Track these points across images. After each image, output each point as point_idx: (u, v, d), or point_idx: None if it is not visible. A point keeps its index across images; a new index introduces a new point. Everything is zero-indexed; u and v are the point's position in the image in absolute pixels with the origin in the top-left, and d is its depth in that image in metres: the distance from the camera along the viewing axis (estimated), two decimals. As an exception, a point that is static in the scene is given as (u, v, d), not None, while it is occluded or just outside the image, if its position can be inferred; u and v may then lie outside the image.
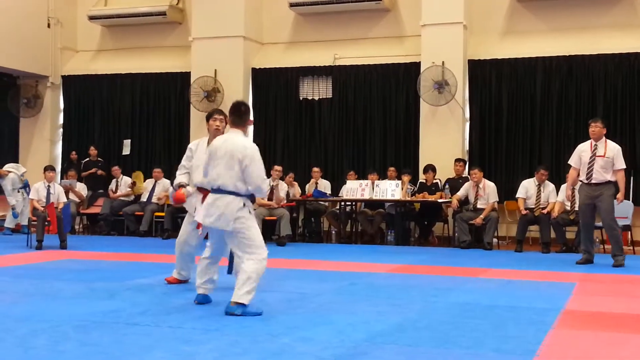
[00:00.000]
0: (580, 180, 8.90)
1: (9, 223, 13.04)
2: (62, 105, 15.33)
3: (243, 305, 5.29)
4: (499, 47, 12.63)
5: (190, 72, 13.91)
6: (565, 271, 8.32)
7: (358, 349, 4.36)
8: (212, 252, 5.88)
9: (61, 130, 15.34)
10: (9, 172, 13.09)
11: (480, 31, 12.84)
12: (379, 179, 11.95)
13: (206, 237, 6.02)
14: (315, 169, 12.76)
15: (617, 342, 4.65)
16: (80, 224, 14.07)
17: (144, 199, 13.21)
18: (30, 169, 13.56)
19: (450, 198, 11.38)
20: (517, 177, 11.81)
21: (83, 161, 14.24)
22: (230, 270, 5.65)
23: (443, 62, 12.25)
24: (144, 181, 13.59)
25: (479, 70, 12.58)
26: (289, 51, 14.00)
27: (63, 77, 15.21)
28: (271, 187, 11.42)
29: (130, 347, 4.38)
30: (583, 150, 8.87)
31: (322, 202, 12.49)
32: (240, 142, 5.55)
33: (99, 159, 14.29)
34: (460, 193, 11.24)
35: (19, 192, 13.05)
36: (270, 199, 11.46)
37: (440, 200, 11.50)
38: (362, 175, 12.47)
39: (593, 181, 8.69)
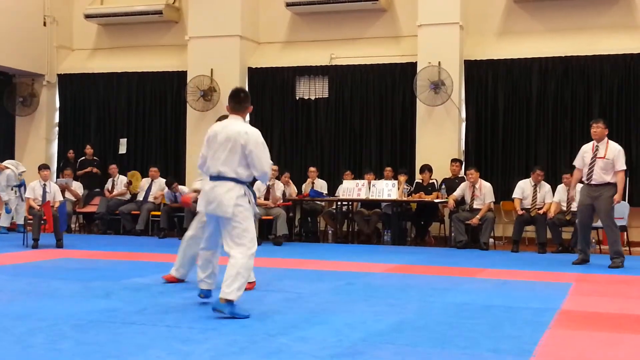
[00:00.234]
0: (582, 181, 8.91)
1: (3, 221, 13.01)
2: (58, 104, 15.29)
3: (232, 303, 5.20)
4: (495, 48, 12.65)
5: (186, 71, 13.90)
6: (561, 271, 8.34)
7: (355, 348, 4.37)
8: (209, 244, 5.78)
9: (57, 128, 15.31)
10: (7, 167, 13.06)
11: (477, 31, 12.86)
12: (375, 179, 11.96)
13: None
14: (312, 169, 12.76)
15: (613, 342, 4.66)
16: (76, 222, 14.05)
17: (140, 198, 13.20)
18: (26, 168, 13.51)
19: (446, 198, 11.39)
20: (513, 177, 11.82)
21: (79, 160, 14.22)
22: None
23: (439, 63, 12.26)
24: (141, 180, 13.57)
25: (475, 70, 12.60)
26: (285, 51, 14.00)
27: (59, 75, 15.19)
28: (267, 187, 11.41)
29: (127, 346, 4.38)
30: (585, 151, 8.90)
31: (318, 202, 12.49)
32: (241, 128, 5.46)
33: (94, 157, 14.27)
34: (457, 193, 11.26)
35: (12, 189, 13.01)
36: (266, 198, 11.47)
37: (436, 201, 11.52)
38: (358, 175, 12.47)
39: (593, 182, 8.71)
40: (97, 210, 13.31)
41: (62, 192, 12.01)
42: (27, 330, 4.75)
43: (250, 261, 5.36)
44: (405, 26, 13.16)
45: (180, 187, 12.65)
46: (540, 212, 10.71)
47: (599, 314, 5.70)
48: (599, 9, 12.25)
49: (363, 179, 12.01)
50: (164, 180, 13.18)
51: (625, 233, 10.75)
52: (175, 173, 13.86)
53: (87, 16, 14.75)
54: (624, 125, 11.71)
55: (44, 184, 11.04)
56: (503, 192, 11.96)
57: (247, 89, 13.70)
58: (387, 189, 11.56)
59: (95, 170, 14.06)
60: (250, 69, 13.89)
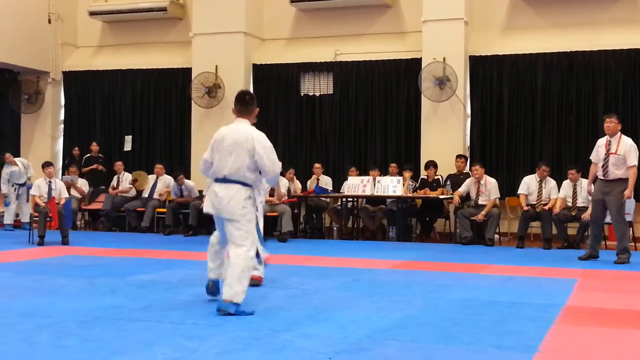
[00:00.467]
0: (597, 176, 8.88)
1: (8, 219, 13.05)
2: (63, 101, 15.33)
3: (237, 303, 5.23)
4: (500, 43, 12.61)
5: (191, 68, 13.90)
6: (566, 267, 8.33)
7: (360, 344, 4.37)
8: (220, 241, 5.74)
9: (62, 126, 15.34)
10: (16, 164, 13.07)
11: (481, 27, 12.83)
12: (380, 175, 11.94)
13: None
14: (317, 165, 12.76)
15: (618, 338, 4.65)
16: (81, 219, 14.09)
17: (145, 195, 13.22)
18: (31, 165, 13.53)
19: (451, 194, 11.38)
20: (519, 173, 11.81)
21: (84, 157, 14.25)
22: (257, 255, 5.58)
23: (444, 58, 12.24)
24: (148, 179, 13.57)
25: (480, 66, 12.57)
26: (289, 47, 13.99)
27: (64, 72, 15.21)
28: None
29: (132, 342, 4.39)
30: (599, 145, 8.89)
31: (323, 199, 12.48)
32: (247, 132, 5.48)
33: (99, 154, 14.29)
34: (462, 189, 11.25)
35: (13, 186, 13.04)
36: (271, 195, 11.47)
37: (441, 197, 11.50)
38: (363, 172, 12.46)
39: (605, 177, 8.69)
40: (103, 207, 13.33)
41: (68, 189, 12.05)
42: (33, 327, 4.77)
43: (251, 262, 5.41)
44: (410, 22, 13.14)
45: (186, 181, 12.69)
46: (546, 207, 10.69)
47: (604, 309, 5.69)
48: (603, 4, 12.21)
49: (368, 175, 12.00)
50: (170, 177, 13.22)
51: (631, 229, 10.72)
52: (180, 170, 13.87)
53: (92, 13, 14.76)
54: (629, 121, 11.66)
55: (50, 181, 11.08)
56: (508, 188, 11.95)
57: (251, 85, 13.81)
58: (392, 185, 11.55)
59: (100, 167, 14.09)
60: (254, 66, 13.89)
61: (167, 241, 11.31)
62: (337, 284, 6.87)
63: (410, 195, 11.71)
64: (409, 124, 12.95)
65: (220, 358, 4.04)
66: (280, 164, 5.72)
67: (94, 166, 14.04)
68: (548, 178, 10.98)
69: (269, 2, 14.13)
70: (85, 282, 6.86)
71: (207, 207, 5.62)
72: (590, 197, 10.27)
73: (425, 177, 12.03)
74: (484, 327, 4.87)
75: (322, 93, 13.60)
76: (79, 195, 13.42)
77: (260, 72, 13.85)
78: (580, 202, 10.61)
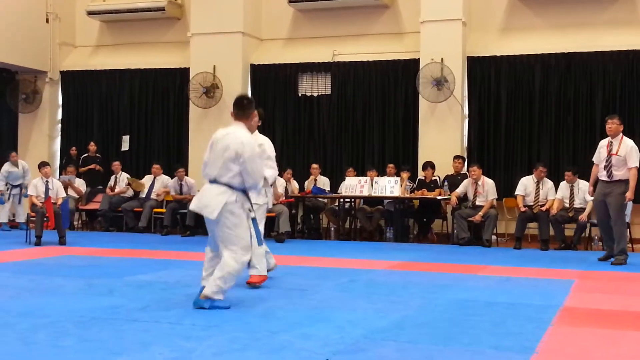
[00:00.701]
0: (599, 177, 8.88)
1: (3, 217, 13.04)
2: (60, 101, 15.31)
3: (212, 300, 5.38)
4: (498, 44, 12.62)
5: (189, 68, 13.90)
6: (564, 268, 8.33)
7: (357, 345, 4.37)
8: (212, 246, 5.76)
9: (60, 125, 15.32)
10: (16, 166, 13.06)
11: (479, 28, 12.84)
12: (377, 176, 11.95)
13: None
14: (314, 166, 12.76)
15: (616, 339, 4.66)
16: (79, 219, 14.07)
17: (143, 195, 13.21)
18: (29, 164, 13.52)
19: (449, 195, 11.38)
20: (516, 174, 11.82)
21: (82, 157, 14.24)
22: (259, 240, 5.81)
23: (442, 59, 12.25)
24: (142, 179, 13.54)
25: (477, 67, 12.58)
26: (287, 47, 13.99)
27: (62, 72, 15.20)
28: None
29: (130, 342, 4.39)
30: (601, 146, 8.90)
31: (321, 199, 12.49)
32: (239, 138, 5.52)
33: (97, 154, 14.28)
34: (459, 190, 11.25)
35: (6, 185, 13.05)
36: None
37: (439, 197, 11.51)
38: (361, 172, 12.46)
39: (606, 179, 8.70)
40: (100, 207, 13.31)
41: (65, 189, 12.03)
42: (30, 327, 4.76)
43: (240, 267, 5.47)
44: (408, 23, 13.14)
45: (186, 177, 12.69)
46: (543, 208, 10.70)
47: (602, 311, 5.69)
48: (601, 5, 12.23)
49: (365, 175, 12.00)
50: (167, 177, 13.23)
51: (628, 230, 10.73)
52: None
53: (90, 13, 14.75)
54: (627, 121, 11.62)
55: (47, 181, 11.06)
56: (506, 189, 11.96)
57: (249, 85, 13.81)
58: (389, 186, 11.55)
59: (98, 167, 14.07)
60: (252, 66, 13.88)
61: (165, 241, 11.30)
62: (335, 285, 6.87)
63: (408, 196, 11.71)
64: (406, 125, 12.95)
65: (217, 358, 4.04)
66: (271, 173, 5.86)
67: (92, 166, 14.03)
68: (545, 179, 10.99)
69: (267, 3, 14.12)
70: (83, 282, 6.85)
71: (192, 204, 5.74)
72: (587, 198, 10.31)
73: (423, 178, 12.04)
74: (482, 328, 4.87)
75: (320, 93, 13.60)
76: (76, 195, 13.41)
77: (258, 73, 13.85)
78: (577, 203, 10.62)
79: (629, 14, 12.12)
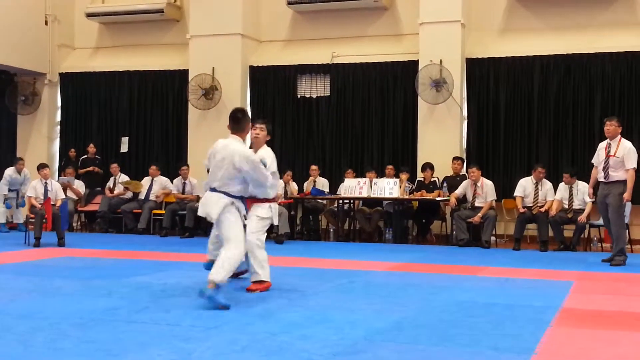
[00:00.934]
0: (599, 179, 8.89)
1: (1, 218, 13.05)
2: (59, 103, 15.31)
3: (216, 288, 5.56)
4: (497, 46, 12.63)
5: (188, 70, 13.90)
6: (562, 269, 8.33)
7: (356, 346, 4.37)
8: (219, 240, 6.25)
9: (59, 127, 15.32)
10: (18, 173, 13.06)
11: (478, 29, 12.85)
12: (377, 177, 11.95)
13: None
14: (313, 167, 12.76)
15: (615, 340, 4.66)
16: (78, 221, 14.07)
17: (142, 196, 13.21)
18: (27, 166, 13.52)
19: (448, 196, 11.39)
20: (515, 175, 11.82)
21: (81, 158, 14.23)
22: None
23: (441, 61, 12.26)
24: (141, 181, 13.53)
25: (476, 68, 12.59)
26: (286, 49, 14.00)
27: (61, 74, 15.20)
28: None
29: (129, 344, 4.39)
30: (600, 148, 8.92)
31: (320, 200, 12.49)
32: (235, 151, 5.89)
33: (96, 156, 14.28)
34: (458, 191, 11.26)
35: (5, 186, 13.09)
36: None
37: (438, 199, 11.51)
38: (360, 174, 12.46)
39: (607, 180, 8.70)
40: (99, 208, 13.31)
41: (64, 190, 12.03)
42: (29, 329, 4.76)
43: (238, 256, 5.84)
44: (407, 24, 13.16)
45: (190, 177, 12.69)
46: (542, 210, 10.70)
47: (601, 311, 5.69)
48: (600, 6, 12.24)
49: (365, 177, 12.00)
50: (165, 178, 13.24)
51: (627, 231, 10.74)
52: (176, 171, 13.86)
53: (89, 15, 14.75)
54: (625, 123, 11.64)
55: (45, 183, 11.06)
56: (505, 190, 11.96)
57: (248, 87, 13.82)
58: (388, 187, 11.55)
59: (97, 169, 14.07)
60: (251, 68, 13.89)
61: (164, 243, 11.29)
62: (334, 286, 6.87)
63: (407, 197, 11.71)
64: (405, 126, 12.96)
65: (217, 360, 4.04)
66: (271, 178, 6.21)
67: (90, 168, 14.03)
68: (544, 180, 11.00)
69: (266, 4, 14.13)
70: (82, 283, 6.85)
71: (199, 211, 6.19)
72: (586, 199, 10.32)
73: (422, 179, 12.05)
74: (481, 329, 4.87)
75: (318, 95, 13.61)
76: (75, 197, 13.41)
77: (257, 74, 13.85)
78: (576, 205, 10.62)
79: (628, 15, 12.14)
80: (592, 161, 9.09)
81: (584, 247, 10.92)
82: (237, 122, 6.07)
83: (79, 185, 13.66)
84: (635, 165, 8.68)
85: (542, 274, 7.91)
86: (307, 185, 12.70)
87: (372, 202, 12.04)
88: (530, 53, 12.29)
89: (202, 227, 12.00)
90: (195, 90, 13.62)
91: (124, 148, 14.65)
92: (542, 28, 12.55)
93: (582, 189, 10.57)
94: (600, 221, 9.73)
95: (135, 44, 14.94)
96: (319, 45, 13.62)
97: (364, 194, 11.75)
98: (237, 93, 13.65)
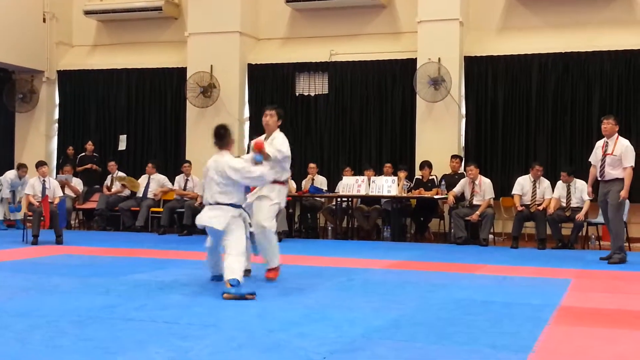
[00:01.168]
0: (598, 178, 8.89)
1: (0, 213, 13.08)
2: (57, 100, 15.29)
3: (235, 280, 5.87)
4: (495, 44, 12.63)
5: (186, 68, 13.89)
6: (560, 267, 8.34)
7: (354, 344, 4.37)
8: (214, 247, 6.58)
9: (57, 125, 15.31)
10: (19, 176, 13.07)
11: (477, 27, 12.85)
12: (375, 175, 11.95)
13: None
14: (312, 165, 12.76)
15: (613, 338, 4.66)
16: (76, 219, 14.06)
17: (139, 194, 13.20)
18: (25, 164, 13.49)
19: (446, 194, 11.39)
20: (513, 173, 11.82)
21: (79, 156, 14.22)
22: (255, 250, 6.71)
23: (439, 59, 12.26)
24: (139, 179, 13.52)
25: (475, 66, 12.59)
26: (285, 47, 13.99)
27: (59, 72, 15.18)
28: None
29: (126, 342, 4.38)
30: (597, 147, 8.92)
31: (318, 198, 12.48)
32: (225, 163, 6.34)
33: (94, 154, 14.26)
34: (456, 189, 11.26)
35: (7, 189, 13.11)
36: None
37: (436, 197, 11.52)
38: (358, 172, 12.46)
39: (605, 178, 8.71)
40: (97, 206, 13.31)
41: (62, 188, 12.01)
42: (27, 327, 4.75)
43: (242, 262, 6.15)
44: (405, 22, 13.15)
45: (192, 175, 12.69)
46: (540, 208, 10.70)
47: (599, 310, 5.70)
48: (598, 4, 12.24)
49: (363, 175, 12.00)
50: (163, 176, 13.24)
51: (625, 229, 10.74)
52: (174, 169, 13.86)
53: (87, 12, 14.73)
54: (623, 121, 11.66)
55: (44, 180, 11.05)
56: (503, 188, 11.96)
57: (246, 85, 13.81)
58: (386, 185, 11.55)
59: (95, 167, 14.06)
60: (249, 65, 13.88)
61: (162, 241, 11.29)
62: (332, 284, 6.87)
63: (405, 195, 11.71)
64: (403, 124, 12.96)
65: (214, 358, 4.03)
66: (262, 172, 6.51)
67: (89, 165, 14.02)
68: (542, 178, 11.00)
69: (264, 2, 14.12)
70: (80, 281, 6.84)
71: (199, 220, 6.46)
72: (584, 198, 10.33)
73: (420, 177, 12.05)
74: (479, 327, 4.88)
75: (317, 93, 13.60)
76: (73, 195, 13.40)
77: (255, 72, 13.85)
78: (574, 203, 10.63)
79: (626, 14, 12.14)
80: (590, 159, 9.09)
81: (581, 245, 10.93)
82: (221, 139, 6.50)
83: (77, 183, 13.65)
84: (633, 163, 8.68)
85: (540, 272, 7.92)
86: (305, 183, 12.69)
87: (370, 200, 12.04)
88: (529, 51, 12.29)
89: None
90: (193, 88, 13.61)
91: (122, 146, 14.64)
92: (540, 26, 12.55)
93: (580, 187, 10.58)
94: (599, 219, 9.74)
95: (134, 42, 14.93)
96: (317, 43, 13.61)
97: (362, 192, 11.75)
98: (235, 91, 13.65)
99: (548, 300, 5.98)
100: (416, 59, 12.53)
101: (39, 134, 15.17)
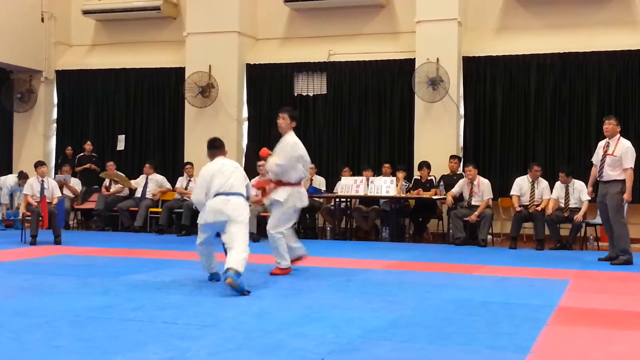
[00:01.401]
0: (598, 178, 8.87)
1: None
2: (56, 100, 15.27)
3: (238, 272, 6.03)
4: (494, 44, 12.64)
5: (184, 68, 13.88)
6: (559, 268, 8.34)
7: (353, 345, 4.37)
8: (208, 243, 6.85)
9: (55, 125, 15.29)
10: (21, 182, 13.09)
11: (475, 28, 12.85)
12: (373, 176, 11.95)
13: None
14: (310, 165, 12.71)
15: (611, 339, 4.66)
16: (74, 219, 14.05)
17: (138, 194, 13.19)
18: (24, 164, 13.55)
19: (444, 195, 11.39)
20: (512, 174, 11.82)
21: (77, 156, 14.21)
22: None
23: (438, 59, 12.26)
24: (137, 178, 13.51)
25: (473, 66, 12.59)
26: (283, 47, 13.99)
27: (57, 71, 15.16)
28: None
29: (125, 342, 4.38)
30: (599, 147, 8.90)
31: (316, 199, 12.46)
32: (235, 163, 6.94)
33: (93, 154, 14.25)
34: (455, 190, 11.26)
35: (7, 195, 13.13)
36: (263, 195, 11.42)
37: (434, 197, 11.52)
38: (356, 172, 12.46)
39: (603, 179, 8.70)
40: (96, 206, 13.29)
41: (60, 188, 12.01)
42: (25, 327, 4.75)
43: (247, 256, 6.30)
44: (404, 22, 13.14)
45: (195, 177, 12.67)
46: (538, 208, 10.70)
47: (597, 310, 5.70)
48: (597, 5, 12.25)
49: (361, 175, 12.00)
50: (161, 176, 13.23)
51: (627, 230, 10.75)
52: (173, 169, 13.86)
53: (85, 12, 14.71)
54: (621, 122, 11.65)
55: (42, 180, 11.04)
56: (501, 189, 11.96)
57: (245, 85, 13.81)
58: (385, 186, 11.55)
59: (93, 167, 14.05)
60: (248, 65, 13.87)
61: (160, 241, 11.28)
62: (330, 284, 6.87)
63: (404, 195, 11.71)
64: (402, 125, 12.96)
65: (212, 358, 4.03)
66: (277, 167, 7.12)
67: (87, 165, 14.00)
68: (540, 179, 11.00)
69: (263, 2, 14.11)
70: (78, 281, 6.84)
71: (209, 216, 6.59)
72: (583, 198, 10.34)
73: (419, 178, 12.05)
74: (477, 328, 4.88)
75: (315, 93, 13.60)
76: (71, 195, 13.38)
77: (254, 72, 13.84)
78: (572, 203, 10.63)
79: (624, 14, 12.15)
80: (592, 159, 9.08)
81: (580, 246, 10.93)
82: (217, 147, 6.94)
83: (76, 183, 13.64)
84: (632, 164, 8.67)
85: (539, 273, 7.92)
86: (304, 184, 12.64)
87: (368, 201, 12.04)
88: (527, 51, 12.29)
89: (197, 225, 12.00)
90: (191, 88, 13.60)
91: (121, 146, 14.62)
92: (538, 26, 12.55)
93: (579, 187, 10.58)
94: (597, 220, 9.73)
95: (132, 42, 14.92)
96: (316, 43, 13.61)
97: (361, 193, 11.75)
98: (233, 91, 13.64)
99: (546, 300, 5.98)
100: (414, 59, 12.53)
101: (37, 134, 15.15)
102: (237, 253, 6.20)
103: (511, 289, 6.70)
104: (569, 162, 11.72)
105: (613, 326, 5.08)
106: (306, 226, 12.67)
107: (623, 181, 8.61)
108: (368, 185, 11.71)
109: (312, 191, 12.23)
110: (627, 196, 8.57)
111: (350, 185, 11.85)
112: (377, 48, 13.17)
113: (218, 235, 6.69)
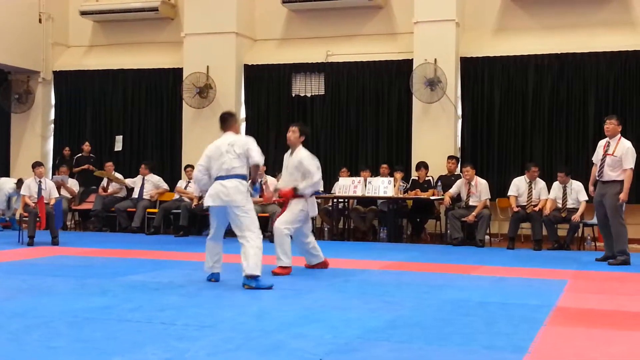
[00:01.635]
0: (597, 177, 8.88)
1: None
2: (53, 101, 15.27)
3: (257, 277, 6.32)
4: (491, 45, 12.65)
5: (182, 68, 13.88)
6: (557, 268, 8.34)
7: (351, 345, 4.37)
8: (215, 239, 6.93)
9: (52, 126, 15.28)
10: (19, 186, 13.09)
11: (473, 28, 12.86)
12: (371, 176, 11.95)
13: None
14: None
15: (608, 339, 4.67)
16: (72, 220, 14.03)
17: (135, 195, 13.18)
18: (21, 165, 13.52)
19: (442, 195, 11.40)
20: (509, 174, 11.84)
21: (75, 157, 14.20)
22: None
23: (435, 60, 12.27)
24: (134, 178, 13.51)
25: (471, 67, 12.60)
26: (281, 47, 13.99)
27: (54, 72, 15.15)
28: (260, 184, 11.37)
29: (123, 343, 4.38)
30: (599, 146, 8.90)
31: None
32: (241, 138, 6.94)
33: (91, 154, 14.24)
34: (453, 190, 11.26)
35: (5, 202, 13.15)
36: (260, 195, 11.41)
37: (432, 198, 11.52)
38: (354, 172, 12.47)
39: (603, 179, 8.70)
40: (93, 207, 13.29)
41: (58, 189, 12.00)
42: (23, 328, 4.75)
43: (261, 245, 6.56)
44: (402, 23, 13.15)
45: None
46: (536, 209, 10.71)
47: (595, 310, 5.71)
48: (594, 5, 12.26)
49: (359, 176, 12.00)
50: (158, 177, 13.23)
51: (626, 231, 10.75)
52: (171, 170, 13.85)
53: (83, 13, 14.71)
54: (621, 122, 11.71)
55: (39, 181, 11.03)
56: (499, 189, 11.97)
57: (243, 85, 13.80)
58: (383, 186, 11.55)
59: (91, 167, 14.03)
60: (246, 66, 13.87)
61: (158, 242, 11.27)
62: (328, 285, 6.87)
63: (401, 196, 11.72)
64: (400, 125, 12.97)
65: (211, 359, 4.03)
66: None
67: (85, 166, 13.99)
68: (538, 179, 11.01)
69: (261, 3, 14.11)
70: (76, 282, 6.83)
71: (211, 201, 6.68)
72: (580, 199, 10.34)
73: (416, 178, 12.05)
74: (475, 328, 4.88)
75: (313, 94, 13.60)
76: (69, 196, 13.37)
77: (252, 73, 13.84)
78: (570, 204, 10.64)
79: (622, 14, 12.16)
80: (592, 159, 9.08)
81: (577, 246, 10.95)
82: (225, 121, 6.95)
83: (73, 184, 13.63)
84: (632, 165, 8.66)
85: (536, 273, 7.93)
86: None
87: (366, 201, 12.04)
88: (525, 52, 12.30)
89: (196, 226, 12.00)
90: (189, 88, 13.60)
91: (118, 147, 14.61)
92: (536, 27, 12.57)
93: (576, 188, 10.59)
94: (594, 220, 9.74)
95: (130, 42, 14.91)
96: (314, 43, 13.61)
97: (359, 193, 11.74)
98: (231, 92, 13.64)
99: (544, 301, 5.99)
100: (412, 59, 12.54)
101: (34, 135, 15.14)
102: (248, 255, 6.39)
103: (509, 290, 6.70)
104: (566, 163, 11.73)
105: (611, 326, 5.09)
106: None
107: (622, 182, 8.61)
108: (366, 185, 11.71)
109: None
110: (623, 196, 8.57)
111: (347, 185, 11.85)
112: (374, 49, 13.18)
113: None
